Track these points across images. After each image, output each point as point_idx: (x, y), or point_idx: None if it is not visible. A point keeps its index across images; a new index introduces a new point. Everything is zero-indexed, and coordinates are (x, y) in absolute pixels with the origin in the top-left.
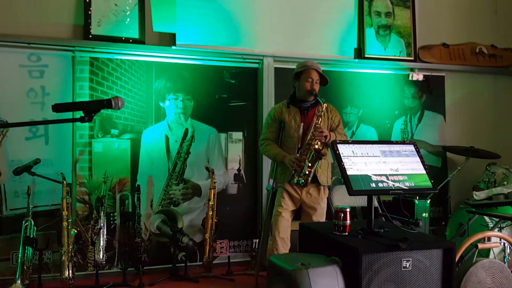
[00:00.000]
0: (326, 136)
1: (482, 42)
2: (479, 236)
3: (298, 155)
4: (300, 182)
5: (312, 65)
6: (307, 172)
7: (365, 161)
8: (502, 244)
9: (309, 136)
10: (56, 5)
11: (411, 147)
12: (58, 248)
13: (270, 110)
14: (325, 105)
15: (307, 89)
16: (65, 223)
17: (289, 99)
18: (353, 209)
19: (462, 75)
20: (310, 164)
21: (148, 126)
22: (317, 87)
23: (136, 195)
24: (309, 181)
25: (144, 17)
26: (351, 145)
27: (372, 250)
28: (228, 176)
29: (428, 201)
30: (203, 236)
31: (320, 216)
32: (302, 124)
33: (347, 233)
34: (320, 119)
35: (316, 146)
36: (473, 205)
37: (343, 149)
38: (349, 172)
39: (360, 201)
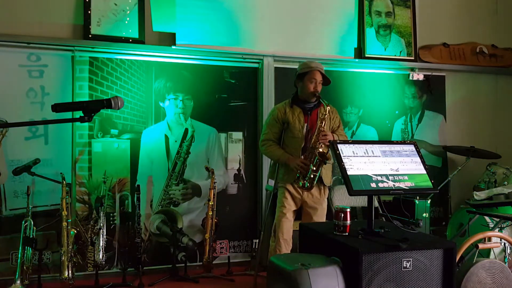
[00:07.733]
0: (330, 141)
1: (482, 42)
2: (480, 236)
3: (303, 158)
4: (306, 186)
5: (316, 66)
6: (312, 176)
7: (365, 161)
8: (502, 244)
9: (313, 140)
10: (55, 5)
11: (411, 147)
12: (58, 248)
13: (272, 109)
14: (328, 107)
15: (311, 90)
16: (64, 223)
17: (291, 99)
18: (353, 209)
19: (463, 75)
20: (314, 168)
21: (148, 126)
22: (320, 88)
23: (135, 195)
24: (314, 184)
25: (144, 16)
26: (351, 145)
27: (372, 250)
28: (228, 176)
29: (429, 201)
30: (203, 236)
31: (320, 216)
32: (306, 124)
33: (347, 233)
34: (324, 122)
35: (321, 150)
36: (474, 205)
37: (343, 149)
38: (349, 172)
39: (361, 201)
